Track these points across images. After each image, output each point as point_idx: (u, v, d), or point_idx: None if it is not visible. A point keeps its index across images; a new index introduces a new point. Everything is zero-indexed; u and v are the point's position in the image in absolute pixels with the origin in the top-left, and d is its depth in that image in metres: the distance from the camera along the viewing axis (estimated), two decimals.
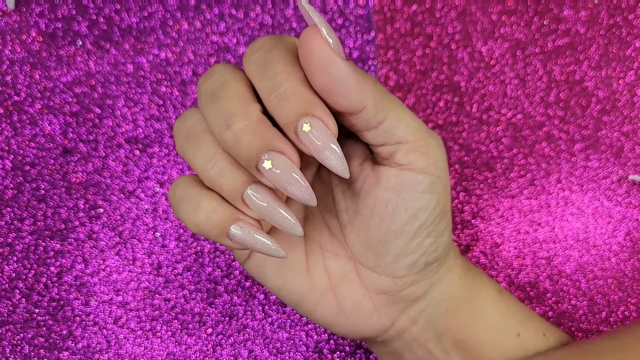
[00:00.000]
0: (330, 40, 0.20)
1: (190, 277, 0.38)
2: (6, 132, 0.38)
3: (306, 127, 0.21)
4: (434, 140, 0.24)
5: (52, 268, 0.38)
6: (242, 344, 0.38)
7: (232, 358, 0.38)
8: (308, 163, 0.27)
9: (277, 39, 0.22)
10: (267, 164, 0.21)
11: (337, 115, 0.22)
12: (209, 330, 0.38)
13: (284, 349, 0.38)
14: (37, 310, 0.38)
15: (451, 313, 0.28)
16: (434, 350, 0.28)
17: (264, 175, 0.21)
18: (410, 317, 0.27)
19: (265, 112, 0.22)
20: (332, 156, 0.21)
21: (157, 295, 0.38)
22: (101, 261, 0.38)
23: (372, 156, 0.26)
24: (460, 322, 0.28)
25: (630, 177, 0.39)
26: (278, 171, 0.21)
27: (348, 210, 0.27)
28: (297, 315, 0.38)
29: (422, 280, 0.26)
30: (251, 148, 0.21)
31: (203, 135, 0.23)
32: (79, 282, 0.38)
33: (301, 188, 0.21)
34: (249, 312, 0.38)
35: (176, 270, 0.38)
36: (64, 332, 0.38)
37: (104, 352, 0.38)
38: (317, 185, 0.28)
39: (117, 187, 0.38)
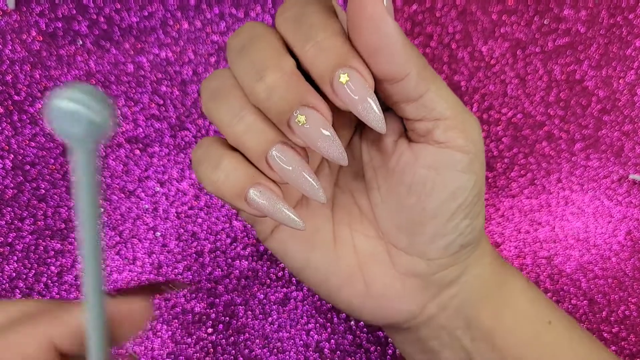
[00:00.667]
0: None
1: (191, 276, 0.38)
2: (6, 132, 0.38)
3: (343, 78, 0.20)
4: (472, 119, 0.23)
5: (53, 267, 0.38)
6: (242, 344, 0.38)
7: (232, 358, 0.38)
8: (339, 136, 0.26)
9: None
10: (300, 119, 0.20)
11: (375, 84, 0.21)
12: (210, 330, 0.38)
13: (284, 348, 0.38)
14: None
15: (482, 300, 0.27)
16: (462, 337, 0.27)
17: (294, 131, 0.21)
18: (441, 303, 0.26)
19: (297, 68, 0.21)
20: (369, 110, 0.20)
21: (157, 294, 0.38)
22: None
23: (407, 133, 0.25)
24: (491, 309, 0.27)
25: (631, 176, 0.39)
26: (309, 126, 0.20)
27: (380, 189, 0.26)
28: (298, 314, 0.38)
29: (455, 263, 0.25)
30: (284, 102, 0.20)
31: (230, 90, 0.22)
32: (79, 282, 0.38)
33: (333, 146, 0.21)
34: (250, 312, 0.38)
35: (176, 270, 0.38)
36: None
37: None
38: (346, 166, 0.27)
39: (118, 186, 0.38)
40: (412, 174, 0.24)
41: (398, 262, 0.26)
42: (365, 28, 0.20)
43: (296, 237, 0.26)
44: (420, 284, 0.26)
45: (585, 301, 0.38)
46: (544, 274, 0.38)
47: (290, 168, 0.21)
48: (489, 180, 0.39)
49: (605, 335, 0.38)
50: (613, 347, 0.38)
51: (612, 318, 0.38)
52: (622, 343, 0.38)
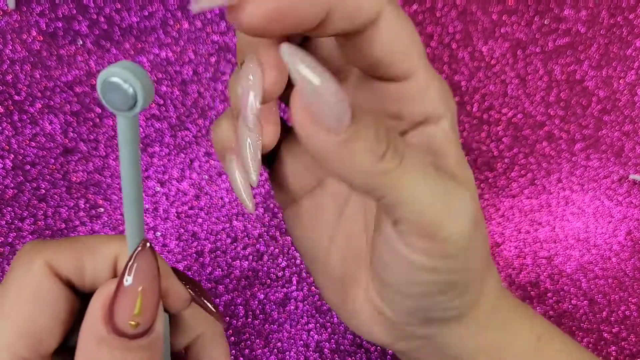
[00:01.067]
0: (316, 106, 0.15)
1: (191, 276, 0.38)
2: (7, 132, 0.38)
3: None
4: (455, 219, 0.18)
5: None
6: (242, 344, 0.38)
7: (232, 358, 0.38)
8: None
9: None
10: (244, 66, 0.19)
11: None
12: None
13: (284, 348, 0.38)
14: None
15: (469, 355, 0.23)
16: None
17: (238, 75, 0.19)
18: (413, 346, 0.24)
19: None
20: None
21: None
22: None
23: None
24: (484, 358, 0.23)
25: (631, 176, 0.39)
26: (249, 77, 0.18)
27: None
28: (298, 314, 0.38)
29: (425, 327, 0.22)
30: (240, 44, 0.20)
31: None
32: None
33: (248, 100, 0.18)
34: (250, 312, 0.38)
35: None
36: None
37: None
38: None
39: (118, 186, 0.38)
40: (375, 247, 0.21)
41: (370, 296, 0.23)
42: (304, 142, 0.17)
43: (301, 222, 0.25)
44: (388, 325, 0.23)
45: (585, 301, 0.38)
46: (544, 274, 0.38)
47: (246, 138, 0.20)
48: (489, 180, 0.39)
49: (605, 335, 0.38)
50: (613, 347, 0.38)
51: (612, 318, 0.38)
52: (623, 343, 0.38)
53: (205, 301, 0.23)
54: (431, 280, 0.20)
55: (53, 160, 0.38)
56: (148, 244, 0.19)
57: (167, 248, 0.38)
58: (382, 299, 0.23)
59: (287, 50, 0.15)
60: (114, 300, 0.18)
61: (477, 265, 0.20)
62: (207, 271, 0.38)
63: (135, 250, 0.19)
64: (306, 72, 0.15)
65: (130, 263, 0.18)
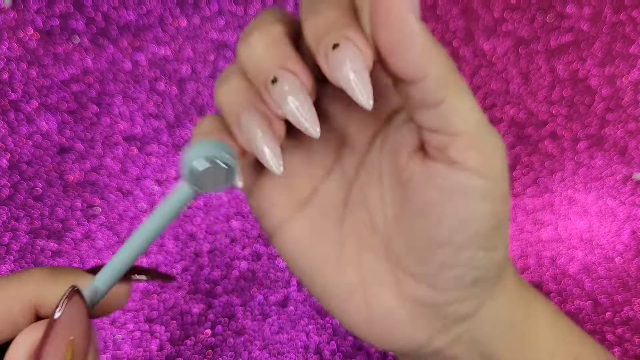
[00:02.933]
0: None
1: (189, 277, 0.37)
2: (3, 130, 0.37)
3: (333, 45, 0.19)
4: (496, 140, 0.21)
5: None
6: (241, 345, 0.37)
7: (231, 359, 0.37)
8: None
9: None
10: (275, 79, 0.20)
11: (397, 85, 0.20)
12: (208, 332, 0.37)
13: (284, 350, 0.37)
14: None
15: (501, 337, 0.24)
16: None
17: (269, 91, 0.20)
18: (451, 336, 0.23)
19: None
20: (357, 82, 0.19)
21: (155, 295, 0.37)
22: (99, 261, 0.37)
23: (424, 146, 0.22)
24: (512, 347, 0.24)
25: (635, 175, 0.38)
26: (280, 87, 0.20)
27: (395, 203, 0.23)
28: (298, 316, 0.38)
29: (470, 297, 0.23)
30: (262, 61, 0.20)
31: (234, 67, 0.22)
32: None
33: (303, 114, 0.20)
34: (249, 313, 0.37)
35: (174, 270, 0.37)
36: None
37: (101, 353, 0.37)
38: (363, 173, 0.25)
39: (115, 185, 0.37)
40: (422, 195, 0.22)
41: (405, 287, 0.23)
42: (383, 24, 0.19)
43: (299, 243, 0.24)
44: (428, 314, 0.23)
45: (588, 302, 0.38)
46: (547, 274, 0.38)
47: (255, 134, 0.21)
48: None
49: (608, 336, 0.38)
50: (617, 349, 0.38)
51: (616, 319, 0.38)
52: (626, 344, 0.38)
53: (153, 277, 0.22)
54: (484, 212, 0.21)
55: (49, 159, 0.37)
56: (78, 290, 0.17)
57: (164, 248, 0.37)
58: (423, 279, 0.23)
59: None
60: (41, 351, 0.16)
61: (508, 210, 0.22)
62: (206, 272, 0.38)
63: (64, 295, 0.17)
64: None
65: (59, 309, 0.17)
